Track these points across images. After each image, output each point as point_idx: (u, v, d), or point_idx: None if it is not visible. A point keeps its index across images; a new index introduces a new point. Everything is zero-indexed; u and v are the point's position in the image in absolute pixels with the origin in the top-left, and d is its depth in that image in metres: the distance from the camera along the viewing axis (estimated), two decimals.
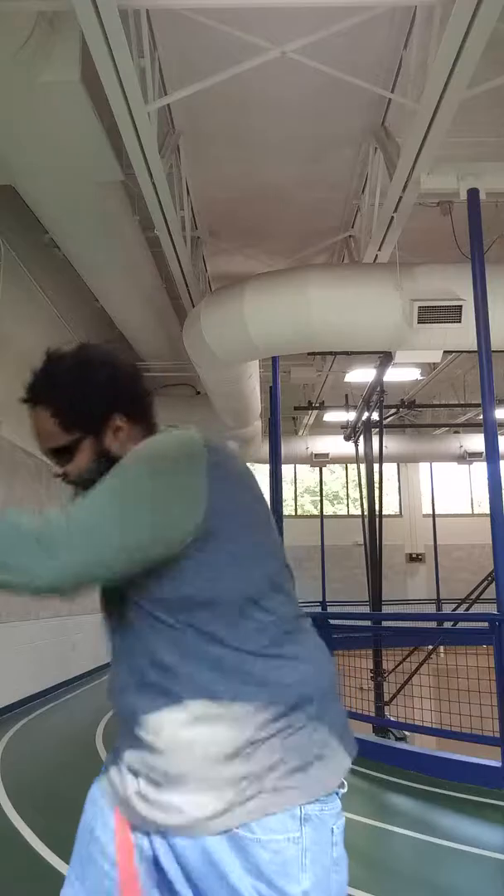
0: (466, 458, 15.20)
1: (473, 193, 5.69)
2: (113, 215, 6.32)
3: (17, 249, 7.57)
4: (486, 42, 4.11)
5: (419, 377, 11.77)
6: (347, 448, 12.78)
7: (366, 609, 11.26)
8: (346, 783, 1.18)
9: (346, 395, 12.61)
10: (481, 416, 5.72)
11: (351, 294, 6.64)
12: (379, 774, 4.92)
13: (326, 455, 15.46)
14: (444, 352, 7.33)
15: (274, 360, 8.86)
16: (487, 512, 5.25)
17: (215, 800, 1.09)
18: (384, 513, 10.59)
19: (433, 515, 16.60)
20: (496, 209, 6.58)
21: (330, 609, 13.90)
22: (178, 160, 6.42)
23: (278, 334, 6.85)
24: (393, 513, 17.28)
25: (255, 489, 1.25)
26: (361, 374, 10.69)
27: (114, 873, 1.18)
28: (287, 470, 16.75)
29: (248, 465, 1.28)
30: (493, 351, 5.45)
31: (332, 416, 13.49)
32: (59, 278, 8.35)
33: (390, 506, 16.48)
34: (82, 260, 7.14)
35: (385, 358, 8.47)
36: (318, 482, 17.10)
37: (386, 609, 11.28)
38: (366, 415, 10.95)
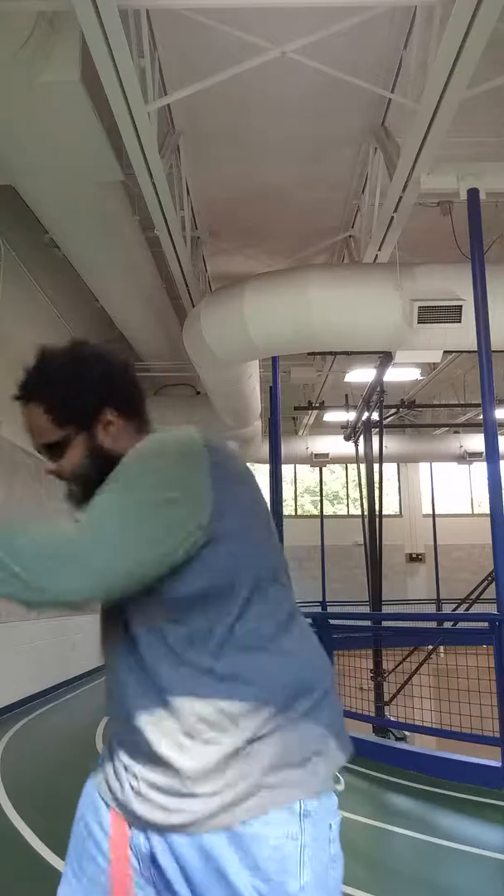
0: (466, 458, 15.20)
1: (473, 193, 5.69)
2: (113, 215, 6.32)
3: (17, 249, 7.57)
4: (486, 42, 4.11)
5: (419, 377, 11.77)
6: (347, 448, 12.78)
7: (366, 609, 11.26)
8: (342, 780, 1.19)
9: (346, 395, 12.62)
10: (481, 416, 5.72)
11: (351, 294, 6.64)
12: (379, 774, 4.92)
13: (326, 455, 15.46)
14: (444, 352, 7.34)
15: (274, 360, 8.86)
16: (487, 512, 5.25)
17: (215, 799, 1.09)
18: (384, 513, 10.59)
19: (433, 515, 16.60)
20: (496, 209, 6.58)
21: (330, 609, 13.90)
22: (178, 160, 6.42)
23: (278, 334, 6.85)
24: (393, 513, 17.28)
25: (256, 489, 1.26)
26: (361, 374, 10.69)
27: (110, 870, 1.19)
28: (287, 470, 16.75)
29: (248, 465, 1.28)
30: (493, 351, 5.45)
31: (332, 416, 13.50)
32: (59, 278, 8.35)
33: (390, 506, 16.48)
34: (82, 260, 7.15)
35: (385, 358, 8.47)
36: (318, 482, 17.10)
37: (386, 609, 11.28)
38: (366, 415, 10.94)
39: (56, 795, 4.47)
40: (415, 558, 17.52)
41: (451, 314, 6.40)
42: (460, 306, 6.33)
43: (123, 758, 1.19)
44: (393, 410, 12.79)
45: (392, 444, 13.64)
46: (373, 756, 5.23)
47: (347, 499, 18.49)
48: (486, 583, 9.14)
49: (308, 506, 18.78)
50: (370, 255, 7.05)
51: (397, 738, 7.05)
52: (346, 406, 12.56)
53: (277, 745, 1.11)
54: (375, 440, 10.68)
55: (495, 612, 4.86)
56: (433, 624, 10.99)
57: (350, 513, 17.43)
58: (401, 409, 13.00)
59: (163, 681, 1.14)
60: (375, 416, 10.66)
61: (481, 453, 11.65)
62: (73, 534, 1.06)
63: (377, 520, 10.32)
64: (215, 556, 1.14)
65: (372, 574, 10.58)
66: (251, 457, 13.41)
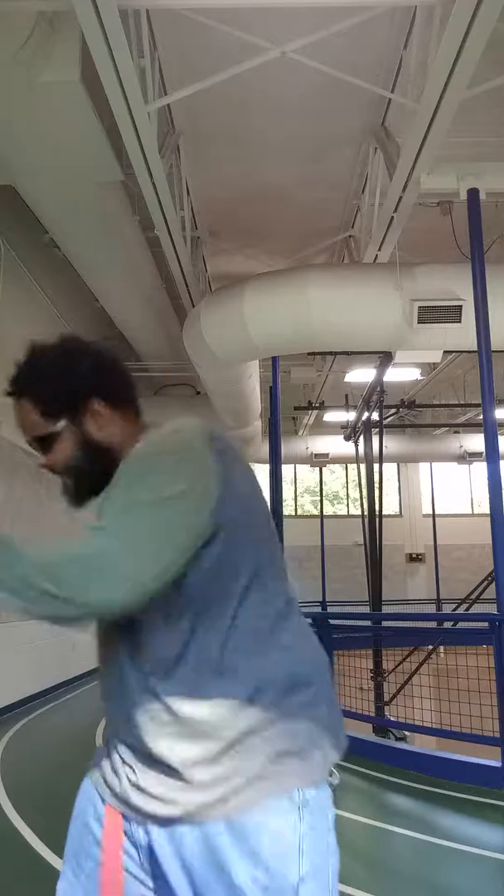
0: (466, 458, 15.20)
1: (473, 193, 5.69)
2: (113, 215, 6.32)
3: (17, 249, 7.57)
4: (486, 42, 4.11)
5: (419, 377, 11.77)
6: (347, 448, 12.78)
7: (366, 609, 11.26)
8: (337, 774, 1.19)
9: (346, 395, 12.61)
10: (481, 416, 5.72)
11: (351, 294, 6.64)
12: (379, 774, 4.92)
13: (326, 455, 15.46)
14: (444, 352, 7.33)
15: (274, 360, 8.86)
16: (487, 512, 5.25)
17: (213, 789, 1.10)
18: (384, 513, 10.59)
19: (433, 515, 16.59)
20: (496, 209, 6.58)
21: (330, 609, 13.90)
22: (178, 160, 6.42)
23: (278, 334, 6.85)
24: (393, 513, 17.28)
25: (255, 479, 1.27)
26: (361, 374, 10.69)
27: (101, 859, 1.19)
28: (287, 470, 16.74)
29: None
30: (493, 351, 5.45)
31: (332, 416, 13.49)
32: (59, 278, 8.35)
33: (390, 506, 16.47)
34: (82, 260, 7.15)
35: (385, 358, 8.47)
36: (318, 482, 17.10)
37: (386, 609, 11.28)
38: (366, 415, 10.95)
39: (56, 795, 4.47)
40: (415, 558, 17.51)
41: (451, 314, 6.39)
42: (460, 306, 6.33)
43: (123, 753, 1.19)
44: (393, 410, 12.79)
45: (392, 444, 13.64)
46: (373, 756, 5.23)
47: (347, 499, 18.49)
48: (486, 583, 9.13)
49: (308, 506, 18.78)
50: (370, 255, 7.05)
51: (397, 738, 7.05)
52: (346, 406, 12.56)
53: (275, 737, 1.12)
54: (375, 440, 10.68)
55: (495, 612, 4.86)
56: (433, 624, 10.99)
57: (350, 513, 17.43)
58: (401, 409, 13.00)
59: (162, 676, 1.14)
60: (375, 416, 10.66)
61: (481, 453, 11.65)
62: (98, 543, 1.05)
63: (377, 520, 10.32)
64: (220, 545, 1.14)
65: (372, 574, 10.58)
66: (251, 457, 13.40)
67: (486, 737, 4.64)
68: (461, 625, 8.72)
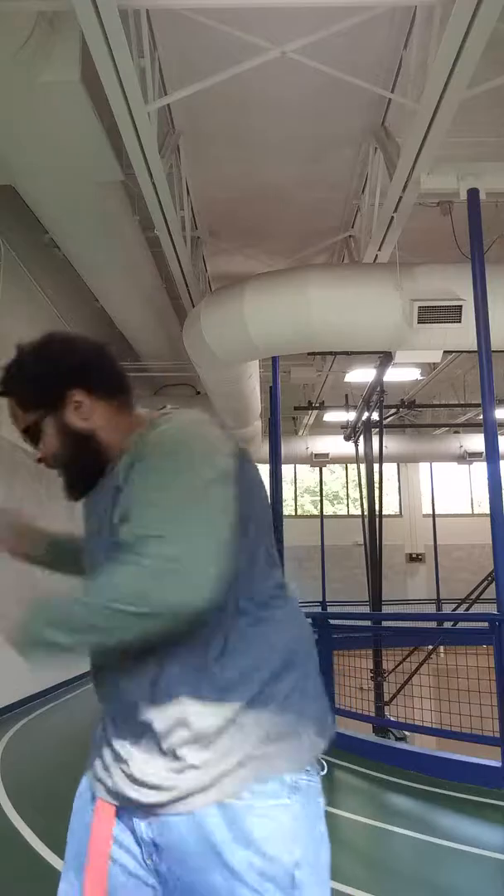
0: (466, 458, 15.21)
1: (473, 193, 5.69)
2: (113, 215, 6.32)
3: (17, 249, 7.57)
4: (486, 42, 4.11)
5: (419, 377, 11.77)
6: (347, 448, 12.78)
7: (366, 609, 11.26)
8: (325, 765, 1.20)
9: (346, 395, 12.62)
10: (481, 416, 5.72)
11: (351, 294, 6.64)
12: (379, 774, 4.92)
13: (326, 455, 15.47)
14: (444, 352, 7.33)
15: (274, 360, 8.86)
16: (487, 512, 5.25)
17: (206, 771, 1.10)
18: (384, 513, 10.59)
19: (433, 515, 16.60)
20: (496, 209, 6.58)
21: (330, 609, 13.89)
22: (178, 160, 6.42)
23: (278, 334, 6.85)
24: (393, 513, 17.28)
25: (256, 470, 1.29)
26: (361, 374, 10.69)
27: (88, 849, 1.20)
28: (287, 470, 16.74)
29: None
30: (493, 351, 5.45)
31: (332, 416, 13.50)
32: (59, 278, 8.36)
33: (390, 506, 16.48)
34: (82, 260, 7.15)
35: (385, 358, 8.47)
36: (318, 482, 17.10)
37: (386, 609, 11.28)
38: (366, 415, 10.95)
39: (56, 795, 4.47)
40: (415, 558, 17.51)
41: (451, 314, 6.39)
42: (460, 306, 6.33)
43: (115, 746, 1.19)
44: (393, 410, 12.80)
45: (392, 444, 13.64)
46: (373, 756, 5.22)
47: (347, 499, 18.49)
48: (486, 583, 9.14)
49: (308, 506, 18.78)
50: (370, 255, 7.06)
51: (397, 738, 7.06)
52: (346, 406, 12.56)
53: (266, 718, 1.12)
54: (375, 440, 10.68)
55: (495, 612, 4.86)
56: (433, 624, 10.99)
57: (350, 513, 17.43)
58: (401, 409, 13.01)
59: (159, 658, 1.15)
60: (375, 416, 10.66)
61: (481, 453, 11.65)
62: (160, 550, 1.05)
63: (377, 520, 10.32)
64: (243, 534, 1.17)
65: (372, 574, 10.58)
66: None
67: (486, 737, 4.64)
68: (461, 625, 8.72)
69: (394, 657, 9.28)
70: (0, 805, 4.36)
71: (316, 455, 15.53)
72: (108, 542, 1.19)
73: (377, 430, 10.62)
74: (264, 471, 11.68)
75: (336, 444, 14.55)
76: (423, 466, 17.50)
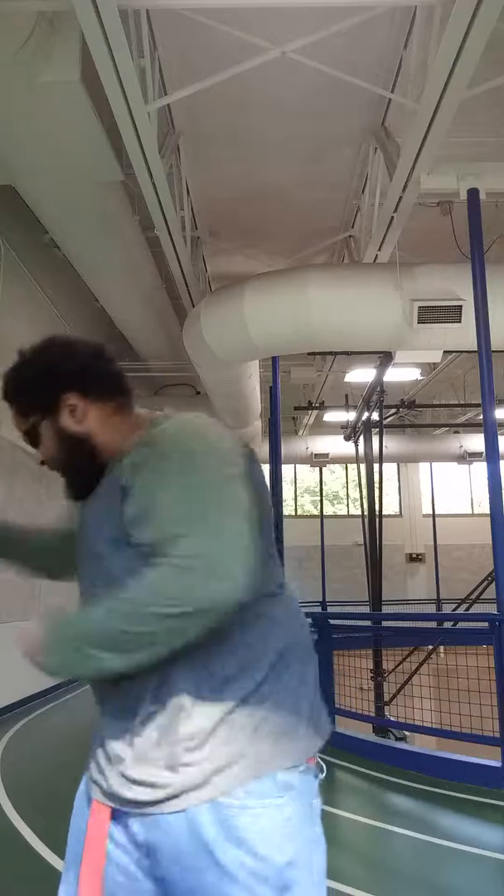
0: (466, 458, 15.20)
1: (473, 193, 5.69)
2: (113, 215, 6.32)
3: (17, 249, 7.57)
4: (486, 42, 4.11)
5: (419, 377, 11.77)
6: (347, 448, 12.78)
7: (366, 609, 11.26)
8: (325, 767, 1.20)
9: (346, 395, 12.62)
10: (481, 416, 5.72)
11: (351, 294, 6.64)
12: (379, 774, 4.92)
13: (326, 455, 15.47)
14: (444, 352, 7.33)
15: (274, 360, 8.86)
16: (487, 512, 5.25)
17: (199, 769, 1.10)
18: (384, 513, 10.59)
19: (433, 515, 16.59)
20: (496, 209, 6.58)
21: (330, 609, 13.89)
22: (178, 160, 6.42)
23: (278, 334, 6.85)
24: (393, 513, 17.28)
25: (261, 470, 1.30)
26: (361, 374, 10.70)
27: (83, 847, 1.20)
28: (287, 470, 16.75)
29: None
30: (493, 351, 5.45)
31: (332, 416, 13.50)
32: (59, 278, 8.35)
33: (390, 506, 16.48)
34: (82, 260, 7.15)
35: (385, 358, 8.47)
36: (318, 482, 17.10)
37: (386, 609, 11.28)
38: (366, 415, 10.95)
39: (56, 795, 4.47)
40: (415, 558, 17.51)
41: (451, 314, 6.39)
42: (460, 306, 6.33)
43: (111, 747, 1.19)
44: (393, 410, 12.79)
45: (392, 444, 13.64)
46: (373, 756, 5.23)
47: (347, 499, 18.49)
48: (486, 583, 9.14)
49: (308, 506, 18.78)
50: (370, 255, 7.06)
51: (397, 738, 7.06)
52: (346, 406, 12.56)
53: (260, 715, 1.13)
54: (375, 440, 10.69)
55: (495, 612, 4.86)
56: (433, 624, 10.99)
57: (350, 513, 17.43)
58: (401, 409, 13.00)
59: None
60: (375, 416, 10.66)
61: (481, 453, 11.65)
62: (193, 547, 1.06)
63: (377, 520, 10.32)
64: None
65: (372, 574, 10.58)
66: None
67: (486, 737, 4.64)
68: (461, 625, 8.72)
69: (394, 657, 9.28)
70: (0, 805, 4.36)
71: (316, 455, 15.53)
72: (111, 537, 1.19)
73: (377, 430, 10.62)
74: (264, 471, 11.66)
75: (336, 444, 14.55)
76: (423, 466, 17.50)
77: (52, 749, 6.21)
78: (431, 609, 15.65)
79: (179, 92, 4.95)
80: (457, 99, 4.61)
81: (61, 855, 3.32)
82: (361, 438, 11.27)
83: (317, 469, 16.68)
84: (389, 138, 6.03)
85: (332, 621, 6.71)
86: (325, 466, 16.53)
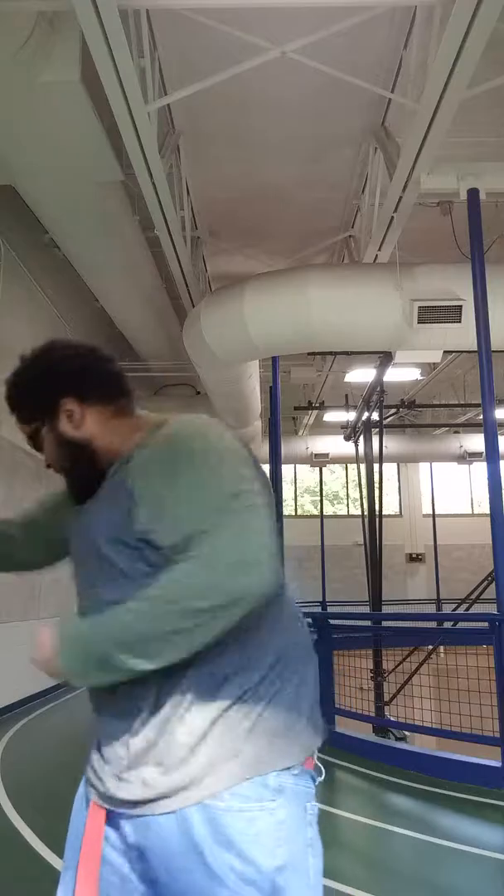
0: (466, 458, 15.20)
1: (473, 193, 5.69)
2: (113, 215, 6.32)
3: (17, 249, 7.57)
4: (486, 42, 4.11)
5: (419, 377, 11.77)
6: (347, 448, 12.78)
7: (366, 609, 11.26)
8: (323, 770, 1.19)
9: (346, 395, 12.62)
10: (481, 416, 5.72)
11: (351, 294, 6.64)
12: (379, 774, 4.92)
13: (326, 455, 15.46)
14: (444, 352, 7.33)
15: (274, 360, 8.86)
16: (487, 512, 5.25)
17: (192, 770, 1.10)
18: (384, 513, 10.59)
19: (433, 515, 16.59)
20: (496, 209, 6.59)
21: (330, 609, 13.89)
22: (178, 160, 6.42)
23: (278, 334, 6.85)
24: (393, 513, 17.28)
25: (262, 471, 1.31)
26: (361, 374, 10.69)
27: (80, 846, 1.20)
28: (287, 470, 16.75)
29: None
30: (493, 351, 5.45)
31: (332, 416, 13.50)
32: (59, 278, 8.35)
33: (390, 506, 16.47)
34: (82, 260, 7.15)
35: (385, 358, 8.47)
36: (318, 482, 17.10)
37: (386, 609, 11.28)
38: (366, 415, 10.95)
39: (56, 795, 4.47)
40: (415, 558, 17.51)
41: (451, 314, 6.39)
42: (460, 306, 6.33)
43: (107, 749, 1.20)
44: (393, 410, 12.79)
45: (392, 444, 13.64)
46: (373, 756, 5.23)
47: (347, 499, 18.49)
48: (486, 583, 9.14)
49: (308, 506, 18.78)
50: (370, 255, 7.05)
51: (397, 738, 7.06)
52: (346, 406, 12.56)
53: (254, 717, 1.12)
54: (375, 440, 10.68)
55: (495, 612, 4.86)
56: (433, 624, 10.99)
57: (350, 513, 17.43)
58: (401, 409, 13.00)
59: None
60: (375, 416, 10.66)
61: (481, 453, 11.66)
62: (216, 543, 1.06)
63: (377, 520, 10.32)
64: None
65: (372, 574, 10.58)
66: None
67: (486, 737, 4.64)
68: (461, 625, 8.72)
69: (394, 657, 9.28)
70: (0, 805, 4.36)
71: (316, 455, 15.53)
72: (113, 538, 1.20)
73: (377, 430, 10.62)
74: (264, 471, 11.66)
75: (336, 444, 14.55)
76: (423, 466, 17.50)
77: (52, 749, 6.21)
78: (431, 609, 15.65)
79: (179, 92, 4.95)
80: (457, 99, 4.61)
81: (61, 855, 3.32)
82: (361, 438, 11.27)
83: (317, 469, 16.68)
84: (389, 138, 6.03)
85: (332, 621, 6.71)
86: (325, 466, 16.53)
